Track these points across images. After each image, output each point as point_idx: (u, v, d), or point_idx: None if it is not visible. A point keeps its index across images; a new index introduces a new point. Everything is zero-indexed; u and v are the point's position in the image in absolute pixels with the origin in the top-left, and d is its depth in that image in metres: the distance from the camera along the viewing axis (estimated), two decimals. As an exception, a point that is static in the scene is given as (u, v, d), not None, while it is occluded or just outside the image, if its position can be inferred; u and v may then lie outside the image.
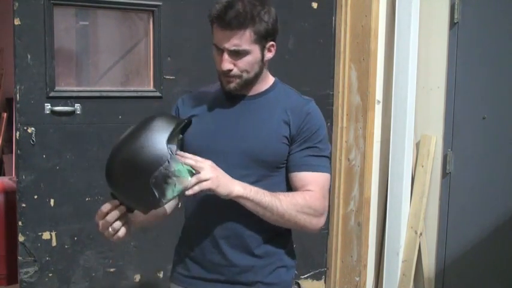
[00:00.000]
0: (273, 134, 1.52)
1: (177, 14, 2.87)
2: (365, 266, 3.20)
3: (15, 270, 2.73)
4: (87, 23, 2.91)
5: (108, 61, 2.95)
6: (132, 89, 2.88)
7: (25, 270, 2.65)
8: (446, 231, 2.96)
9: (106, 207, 1.39)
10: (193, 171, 1.36)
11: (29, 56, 2.57)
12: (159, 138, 1.35)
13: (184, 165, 1.36)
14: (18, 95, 2.58)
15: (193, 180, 1.35)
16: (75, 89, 2.77)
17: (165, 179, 1.33)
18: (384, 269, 3.18)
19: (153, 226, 2.00)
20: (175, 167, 1.34)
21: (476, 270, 2.83)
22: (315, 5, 3.21)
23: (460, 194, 2.90)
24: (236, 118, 1.55)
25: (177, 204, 1.68)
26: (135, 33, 2.95)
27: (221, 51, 1.48)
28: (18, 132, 2.60)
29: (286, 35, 3.08)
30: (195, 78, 2.89)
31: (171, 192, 1.34)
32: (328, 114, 3.22)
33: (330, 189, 1.59)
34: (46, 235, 2.68)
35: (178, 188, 1.35)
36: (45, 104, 2.63)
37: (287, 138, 1.52)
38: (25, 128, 2.60)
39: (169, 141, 1.37)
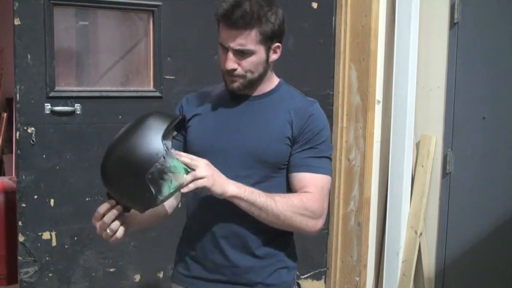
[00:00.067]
0: (275, 134, 1.51)
1: (177, 14, 2.87)
2: (365, 266, 3.20)
3: (15, 270, 2.73)
4: (87, 23, 2.90)
5: (108, 61, 2.95)
6: (132, 89, 2.88)
7: (25, 270, 2.65)
8: (446, 231, 2.96)
9: (103, 208, 1.38)
10: (189, 170, 1.37)
11: (29, 56, 2.57)
12: (154, 135, 1.35)
13: (179, 162, 1.36)
14: (18, 95, 2.58)
15: (188, 177, 1.35)
16: (75, 89, 2.77)
17: (161, 174, 1.33)
18: (384, 269, 3.18)
19: (154, 226, 1.99)
20: (171, 162, 1.34)
21: (476, 270, 2.83)
22: (315, 5, 3.21)
23: (460, 194, 2.90)
24: (240, 118, 1.54)
25: (178, 204, 1.67)
26: (135, 33, 2.94)
27: (226, 50, 1.48)
28: (18, 132, 2.60)
29: (286, 35, 3.06)
30: (195, 78, 2.89)
31: (167, 188, 1.34)
32: (328, 114, 3.18)
33: (330, 190, 1.57)
34: (46, 235, 2.68)
35: (175, 184, 1.34)
36: (45, 104, 2.63)
37: (289, 139, 1.52)
38: (25, 128, 2.60)
39: (164, 137, 1.37)
